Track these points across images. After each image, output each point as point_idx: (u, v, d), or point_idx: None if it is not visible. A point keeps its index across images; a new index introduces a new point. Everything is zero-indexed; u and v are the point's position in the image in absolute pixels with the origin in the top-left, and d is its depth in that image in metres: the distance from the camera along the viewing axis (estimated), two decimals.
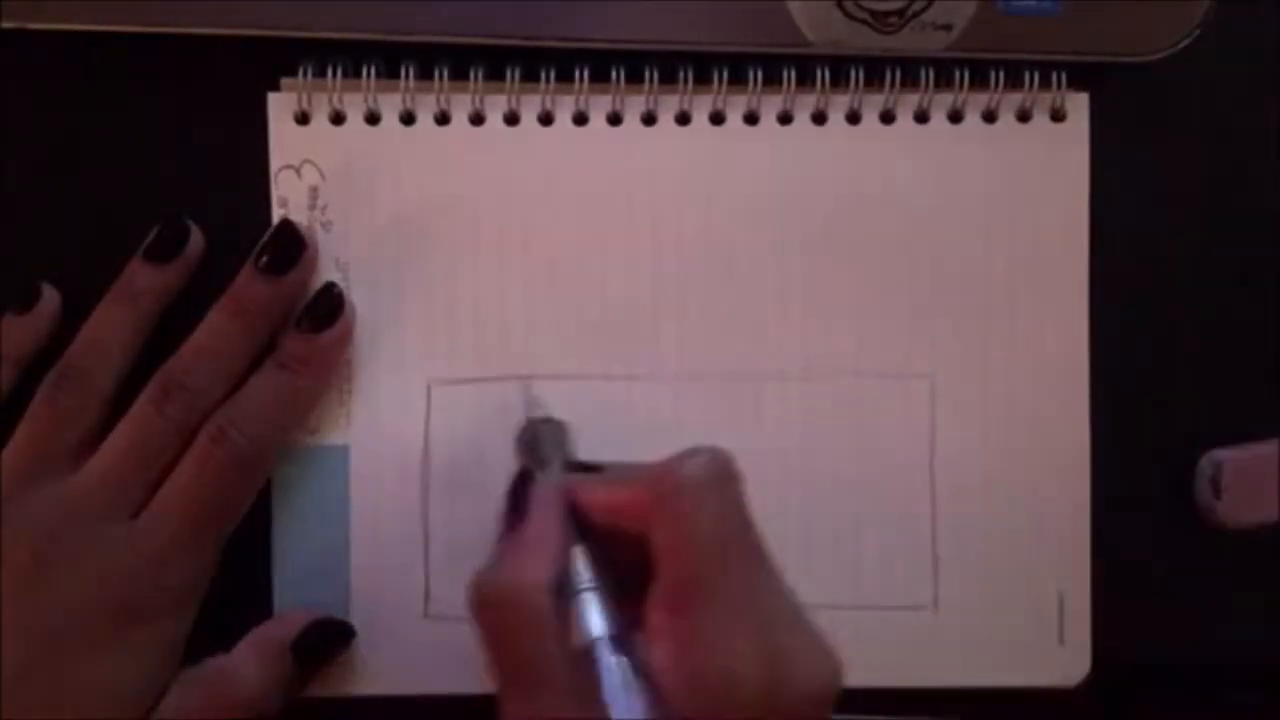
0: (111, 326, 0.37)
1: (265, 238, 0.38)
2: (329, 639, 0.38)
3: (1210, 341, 0.41)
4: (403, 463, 0.39)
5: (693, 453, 0.32)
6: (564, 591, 0.32)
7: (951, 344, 0.40)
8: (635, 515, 0.32)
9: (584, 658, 0.31)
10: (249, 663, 0.37)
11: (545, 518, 0.33)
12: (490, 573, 0.33)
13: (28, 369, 0.38)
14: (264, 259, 0.37)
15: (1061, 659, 0.40)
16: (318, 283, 0.39)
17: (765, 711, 0.29)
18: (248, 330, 0.37)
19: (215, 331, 0.37)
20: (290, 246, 0.38)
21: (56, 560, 0.34)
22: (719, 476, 0.32)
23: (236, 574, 0.37)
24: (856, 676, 0.38)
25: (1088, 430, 0.40)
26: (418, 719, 0.39)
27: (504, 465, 0.38)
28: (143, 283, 0.38)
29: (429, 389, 0.39)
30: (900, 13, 0.37)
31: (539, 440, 0.37)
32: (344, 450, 0.39)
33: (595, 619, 0.32)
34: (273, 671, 0.37)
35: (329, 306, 0.38)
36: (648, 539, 0.31)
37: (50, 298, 0.38)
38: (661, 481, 0.32)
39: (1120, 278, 0.40)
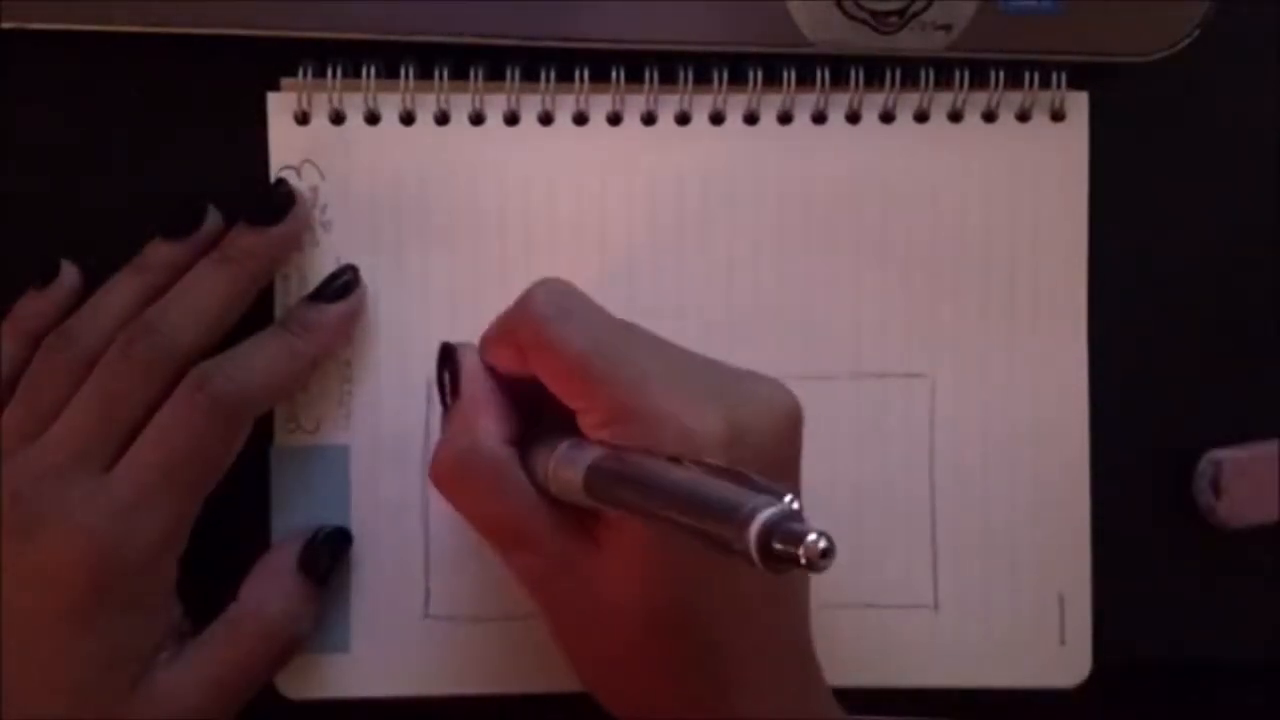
0: (118, 294, 0.37)
1: (259, 192, 0.38)
2: (331, 546, 0.38)
3: (1210, 341, 0.41)
4: (403, 462, 0.39)
5: (533, 286, 0.34)
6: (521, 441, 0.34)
7: (951, 344, 0.40)
8: (520, 368, 0.34)
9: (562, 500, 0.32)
10: (260, 595, 0.37)
11: (473, 381, 0.35)
12: (442, 446, 0.34)
13: None
14: (253, 209, 0.37)
15: (1062, 659, 0.40)
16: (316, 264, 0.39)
17: (736, 458, 0.30)
18: (227, 277, 0.37)
19: (195, 276, 0.37)
20: (280, 199, 0.38)
21: (24, 526, 0.34)
22: (560, 293, 0.34)
23: (237, 573, 0.37)
24: (856, 676, 0.39)
25: (1087, 430, 0.40)
26: (418, 719, 0.39)
27: None
28: (155, 258, 0.37)
29: (429, 389, 0.39)
30: (900, 13, 0.38)
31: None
32: (344, 450, 0.39)
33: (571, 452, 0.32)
34: (285, 594, 0.37)
35: (344, 282, 0.38)
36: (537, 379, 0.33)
37: (70, 274, 0.38)
38: (522, 325, 0.33)
39: (1120, 277, 0.40)
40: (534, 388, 0.34)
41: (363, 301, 0.39)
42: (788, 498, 0.24)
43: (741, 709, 0.32)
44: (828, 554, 0.23)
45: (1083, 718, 0.41)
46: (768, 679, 0.33)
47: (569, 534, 0.33)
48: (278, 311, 0.39)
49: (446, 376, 0.36)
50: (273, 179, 0.39)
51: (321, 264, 0.39)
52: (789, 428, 0.33)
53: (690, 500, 0.26)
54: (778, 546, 0.23)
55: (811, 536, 0.23)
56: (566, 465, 0.31)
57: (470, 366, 0.35)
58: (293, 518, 0.39)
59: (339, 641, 0.39)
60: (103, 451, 0.34)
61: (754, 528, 0.24)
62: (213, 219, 0.38)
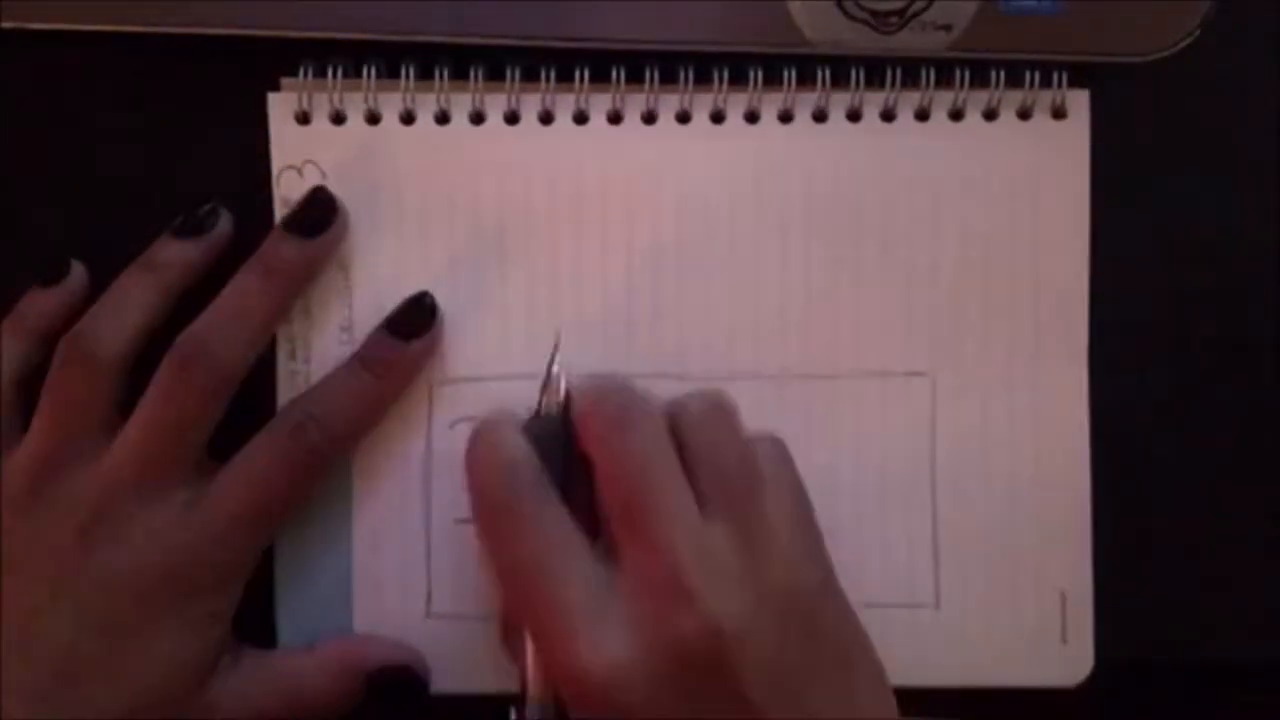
0: (126, 295, 0.37)
1: (298, 202, 0.38)
2: (406, 687, 0.38)
3: (1210, 340, 0.41)
4: (405, 462, 0.39)
5: (609, 389, 0.35)
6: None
7: (951, 343, 0.40)
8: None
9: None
10: (325, 673, 0.37)
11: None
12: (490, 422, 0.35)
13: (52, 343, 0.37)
14: (296, 220, 0.37)
15: (1064, 658, 0.40)
16: (322, 292, 0.39)
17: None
18: (274, 292, 0.37)
19: (241, 292, 0.37)
20: (324, 209, 0.38)
21: (102, 538, 0.34)
22: (634, 408, 0.34)
23: None
24: None
25: (1088, 428, 0.40)
26: (418, 718, 0.39)
27: None
28: (165, 255, 0.37)
29: (431, 388, 0.39)
30: (900, 13, 0.38)
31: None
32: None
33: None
34: (345, 689, 0.37)
35: (422, 315, 0.38)
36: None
37: (79, 273, 0.38)
38: (590, 413, 0.34)
39: (1120, 276, 0.40)
40: None
41: (441, 332, 0.39)
42: None
43: None
44: None
45: (1084, 716, 0.40)
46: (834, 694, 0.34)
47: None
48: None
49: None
50: (274, 179, 0.39)
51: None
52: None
53: None
54: None
55: None
56: None
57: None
58: (295, 518, 0.38)
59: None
60: (170, 470, 0.35)
61: None
62: (224, 221, 0.38)
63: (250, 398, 0.37)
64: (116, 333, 0.36)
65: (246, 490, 0.35)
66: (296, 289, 0.38)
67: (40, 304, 0.37)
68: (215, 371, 0.35)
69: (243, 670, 0.36)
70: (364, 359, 0.37)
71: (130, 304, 0.36)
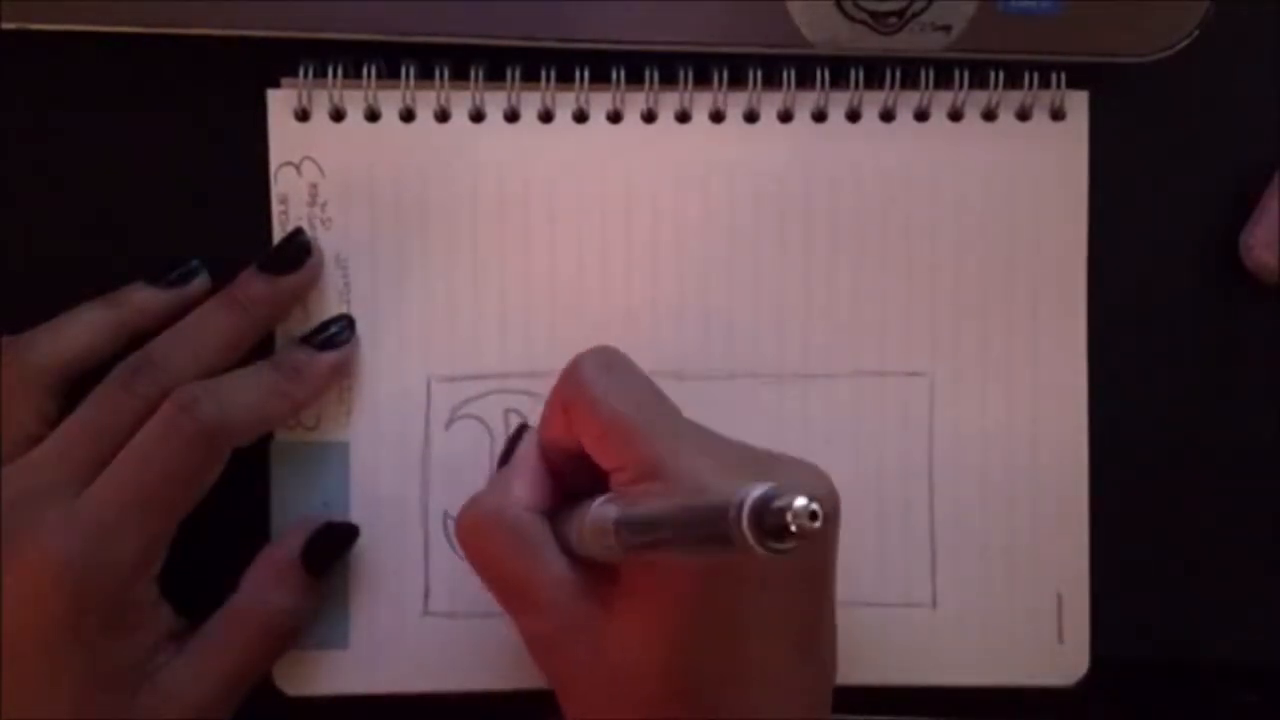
0: (78, 317, 0.37)
1: (276, 243, 0.38)
2: (335, 538, 0.38)
3: (1210, 340, 0.41)
4: (403, 459, 0.39)
5: (580, 355, 0.34)
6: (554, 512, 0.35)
7: (951, 343, 0.40)
8: (567, 434, 0.34)
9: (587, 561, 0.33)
10: (262, 587, 0.37)
11: (521, 452, 0.36)
12: (469, 504, 0.35)
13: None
14: (269, 258, 0.38)
15: (1060, 657, 0.40)
16: (321, 290, 0.39)
17: None
18: (235, 322, 0.37)
19: (199, 317, 0.37)
20: (294, 250, 0.38)
21: (3, 550, 0.33)
22: (606, 359, 0.34)
23: (236, 571, 0.37)
24: (854, 675, 0.39)
25: (1086, 428, 0.40)
26: (418, 718, 0.39)
27: None
28: (134, 299, 0.37)
29: (429, 385, 0.39)
30: (899, 13, 0.37)
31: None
32: (344, 447, 0.39)
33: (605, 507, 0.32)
34: (287, 588, 0.37)
35: (335, 332, 0.38)
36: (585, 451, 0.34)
37: (202, 280, 0.38)
38: (567, 386, 0.34)
39: (1119, 276, 0.40)
40: (579, 467, 0.34)
41: (353, 354, 0.39)
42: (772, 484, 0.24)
43: None
44: (815, 516, 0.23)
45: (1081, 716, 0.41)
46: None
47: (584, 599, 0.33)
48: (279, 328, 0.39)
49: (503, 450, 0.38)
50: (271, 175, 0.39)
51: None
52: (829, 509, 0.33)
53: (691, 513, 0.26)
54: (769, 523, 0.23)
55: (800, 501, 0.23)
56: (597, 518, 0.31)
57: (526, 441, 0.37)
58: (292, 514, 0.39)
59: (338, 638, 0.39)
60: (86, 476, 0.34)
61: (746, 510, 0.24)
62: (200, 280, 0.38)
63: None
64: (55, 347, 0.36)
65: (129, 471, 0.34)
66: (258, 325, 0.38)
67: (148, 301, 0.38)
68: (158, 383, 0.35)
69: (190, 652, 0.35)
70: (276, 361, 0.37)
71: (80, 326, 0.36)
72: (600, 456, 0.33)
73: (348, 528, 0.39)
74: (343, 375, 0.39)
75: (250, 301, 0.37)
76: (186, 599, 0.36)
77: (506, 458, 0.37)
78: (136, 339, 0.37)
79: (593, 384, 0.33)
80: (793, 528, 0.23)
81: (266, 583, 0.37)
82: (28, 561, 0.33)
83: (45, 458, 0.35)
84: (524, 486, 0.35)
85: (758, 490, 0.24)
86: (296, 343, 0.38)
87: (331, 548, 0.38)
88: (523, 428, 0.38)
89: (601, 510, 0.31)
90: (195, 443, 0.35)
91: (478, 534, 0.34)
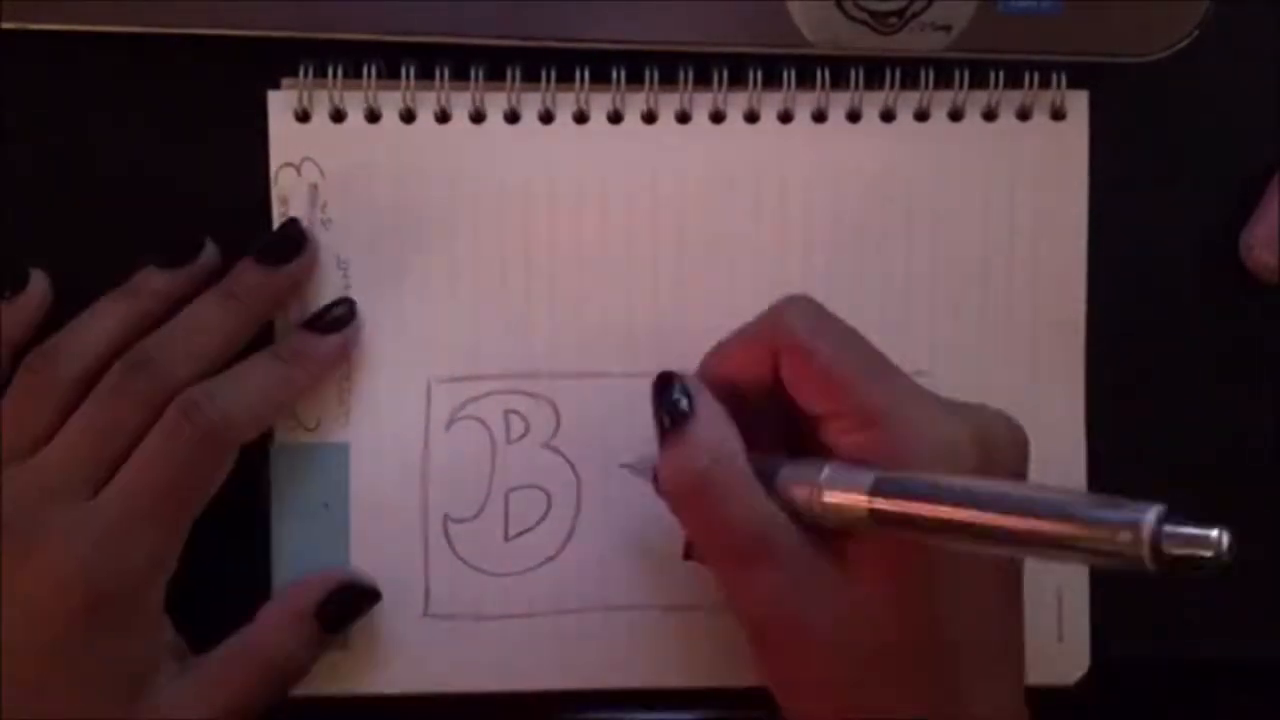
0: (107, 318, 0.37)
1: (270, 232, 0.38)
2: (354, 601, 0.38)
3: (1209, 339, 0.41)
4: (403, 461, 0.39)
5: (785, 301, 0.34)
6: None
7: (951, 342, 0.40)
8: (758, 372, 0.34)
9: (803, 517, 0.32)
10: (276, 631, 0.37)
11: (709, 404, 0.34)
12: (677, 461, 0.33)
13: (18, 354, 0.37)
14: (263, 248, 0.37)
15: (1060, 657, 0.40)
16: (320, 290, 0.39)
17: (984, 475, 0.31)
18: (231, 314, 0.37)
19: (196, 311, 0.37)
20: (290, 241, 0.38)
21: (11, 551, 0.33)
22: (815, 306, 0.34)
23: (236, 573, 0.38)
24: None
25: (1085, 428, 0.40)
26: (417, 718, 0.39)
27: (504, 462, 0.39)
28: (147, 285, 0.37)
29: (429, 386, 0.39)
30: (899, 13, 0.37)
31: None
32: (344, 448, 0.39)
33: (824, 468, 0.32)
34: (300, 637, 0.37)
35: (340, 314, 0.38)
36: (776, 388, 0.34)
37: (39, 282, 0.38)
38: (777, 331, 0.34)
39: (1119, 275, 0.40)
40: (753, 410, 0.34)
41: (358, 335, 0.39)
42: (1157, 506, 0.24)
43: (971, 715, 0.32)
44: (1233, 549, 0.23)
45: (1081, 715, 0.41)
46: (1001, 685, 0.33)
47: (814, 549, 0.32)
48: (278, 322, 0.39)
49: (672, 398, 0.35)
50: (272, 176, 0.39)
51: (321, 261, 0.39)
52: (1025, 457, 0.33)
53: (1060, 512, 0.26)
54: (1172, 551, 0.24)
55: (1214, 532, 0.23)
56: (837, 488, 0.31)
57: (700, 390, 0.35)
58: (292, 516, 0.39)
59: (338, 639, 0.39)
60: (93, 478, 0.34)
61: (1145, 530, 0.24)
62: (209, 252, 0.38)
63: None
64: (82, 349, 0.36)
65: (139, 477, 0.34)
66: (255, 316, 0.37)
67: (5, 316, 0.37)
68: (157, 380, 0.35)
69: (195, 674, 0.35)
70: (276, 349, 0.37)
71: (104, 322, 0.36)
72: (816, 403, 0.33)
73: (368, 591, 0.38)
74: (346, 359, 0.39)
75: (246, 293, 0.37)
76: (186, 600, 0.36)
77: (664, 410, 0.35)
78: (156, 324, 0.37)
79: (807, 330, 0.33)
80: (1208, 556, 0.23)
81: (281, 628, 0.37)
82: (41, 562, 0.33)
83: (53, 459, 0.35)
84: (735, 439, 0.33)
85: (1155, 512, 0.25)
86: (299, 329, 0.38)
87: (350, 610, 0.38)
88: (671, 375, 0.35)
89: (838, 478, 0.31)
90: (201, 446, 0.35)
91: (698, 491, 0.33)
